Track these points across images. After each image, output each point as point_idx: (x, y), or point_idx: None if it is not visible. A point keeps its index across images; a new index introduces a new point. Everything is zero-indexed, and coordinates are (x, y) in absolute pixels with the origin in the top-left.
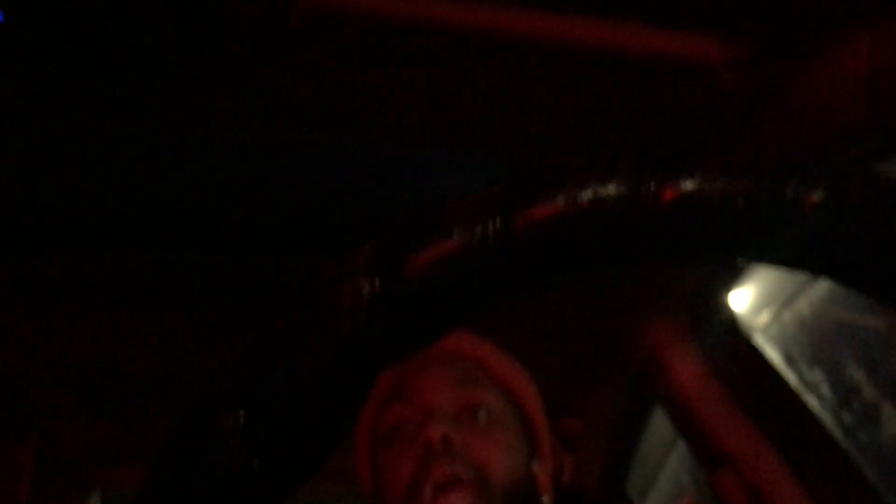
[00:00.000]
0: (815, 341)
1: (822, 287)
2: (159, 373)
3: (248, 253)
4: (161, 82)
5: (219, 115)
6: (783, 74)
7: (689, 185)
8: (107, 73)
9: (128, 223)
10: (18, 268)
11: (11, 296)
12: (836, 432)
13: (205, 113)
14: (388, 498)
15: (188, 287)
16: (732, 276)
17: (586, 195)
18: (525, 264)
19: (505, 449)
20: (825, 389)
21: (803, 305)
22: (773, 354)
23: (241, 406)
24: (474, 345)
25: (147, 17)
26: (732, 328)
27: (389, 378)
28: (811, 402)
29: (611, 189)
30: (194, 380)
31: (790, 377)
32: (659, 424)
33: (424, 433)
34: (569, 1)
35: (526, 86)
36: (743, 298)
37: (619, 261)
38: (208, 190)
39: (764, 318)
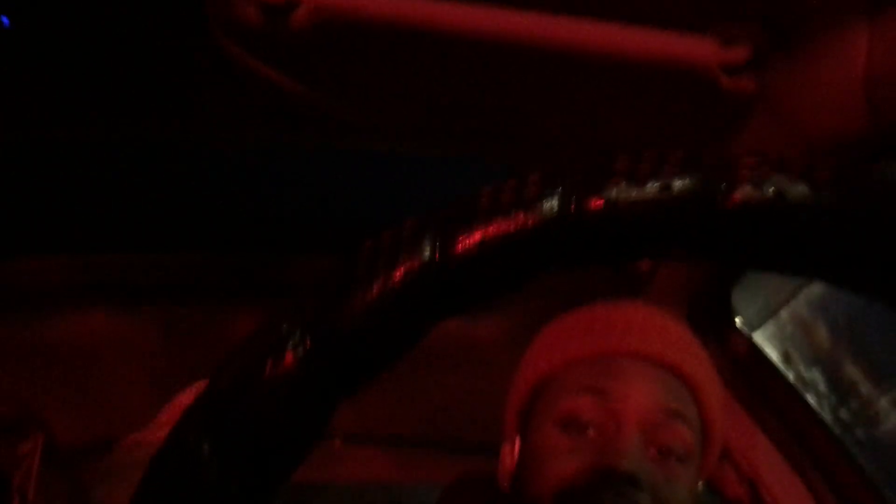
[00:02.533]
0: (813, 340)
1: (819, 287)
2: (160, 371)
3: (247, 253)
4: (162, 83)
5: (219, 116)
6: (781, 75)
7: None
8: (109, 76)
9: (128, 223)
10: (19, 268)
11: (12, 295)
12: (834, 428)
13: (204, 113)
14: (541, 479)
15: (188, 286)
16: (732, 275)
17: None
18: (465, 292)
19: (685, 494)
20: (823, 387)
21: (801, 304)
22: (771, 353)
23: (208, 437)
24: (687, 357)
25: (148, 20)
26: (731, 326)
27: (577, 351)
28: (809, 399)
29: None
30: (195, 377)
31: (788, 375)
32: None
33: (615, 459)
34: (568, 3)
35: (526, 86)
36: (742, 297)
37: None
38: (208, 190)
39: (762, 316)
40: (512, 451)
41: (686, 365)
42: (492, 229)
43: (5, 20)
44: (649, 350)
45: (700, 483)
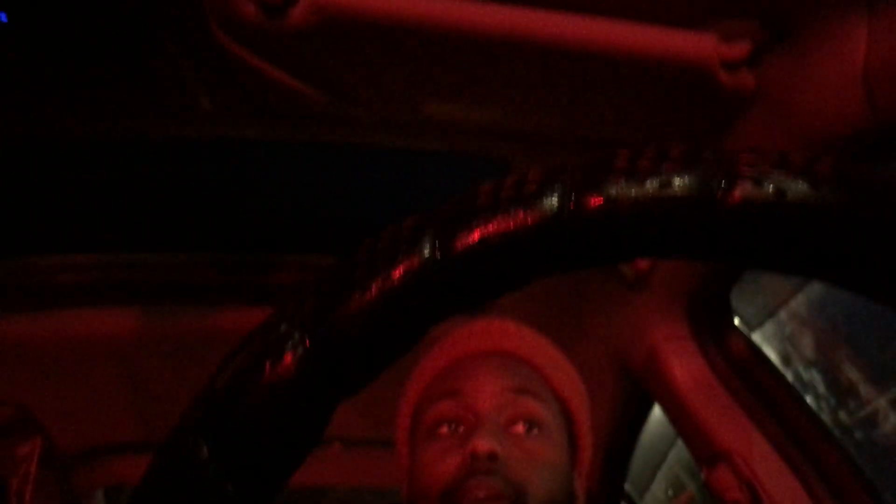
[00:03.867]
0: (812, 340)
1: (818, 287)
2: (160, 373)
3: (247, 252)
4: (160, 81)
5: (217, 113)
6: (780, 71)
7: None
8: (107, 74)
9: (126, 222)
10: (15, 268)
11: (10, 296)
12: (833, 430)
13: (203, 110)
14: (422, 491)
15: (188, 286)
16: (731, 275)
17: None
18: (463, 289)
19: (550, 468)
20: (822, 388)
21: (800, 305)
22: (770, 353)
23: (207, 439)
24: (533, 346)
25: (146, 17)
26: (731, 327)
27: (440, 363)
28: (808, 400)
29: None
30: (195, 375)
31: (787, 376)
32: (658, 422)
33: (472, 444)
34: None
35: (524, 83)
36: (741, 297)
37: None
38: (205, 188)
39: (761, 316)
40: (405, 463)
41: (526, 350)
42: (491, 227)
43: (3, 16)
44: (492, 345)
45: (576, 477)
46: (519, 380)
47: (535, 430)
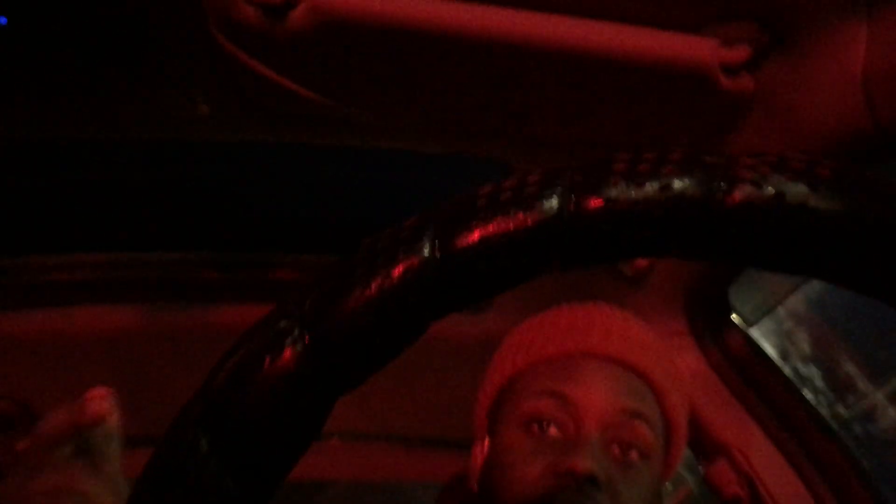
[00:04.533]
0: (811, 336)
1: (817, 283)
2: (160, 364)
3: (248, 252)
4: (159, 82)
5: (217, 115)
6: (780, 75)
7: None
8: (106, 75)
9: (126, 222)
10: (16, 266)
11: (10, 293)
12: (832, 425)
13: (202, 112)
14: (506, 484)
15: (189, 285)
16: (729, 272)
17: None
18: (461, 289)
19: (646, 496)
20: (820, 383)
21: (798, 301)
22: (768, 349)
23: (206, 433)
24: (652, 360)
25: (146, 19)
26: (730, 323)
27: (547, 351)
28: (806, 395)
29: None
30: (196, 373)
31: (786, 371)
32: None
33: (573, 461)
34: (567, 3)
35: (524, 85)
36: (739, 293)
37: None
38: (206, 189)
39: (760, 312)
40: (481, 451)
41: (646, 364)
42: (491, 227)
43: (2, 19)
44: (609, 350)
45: (667, 483)
46: (634, 402)
47: (637, 456)
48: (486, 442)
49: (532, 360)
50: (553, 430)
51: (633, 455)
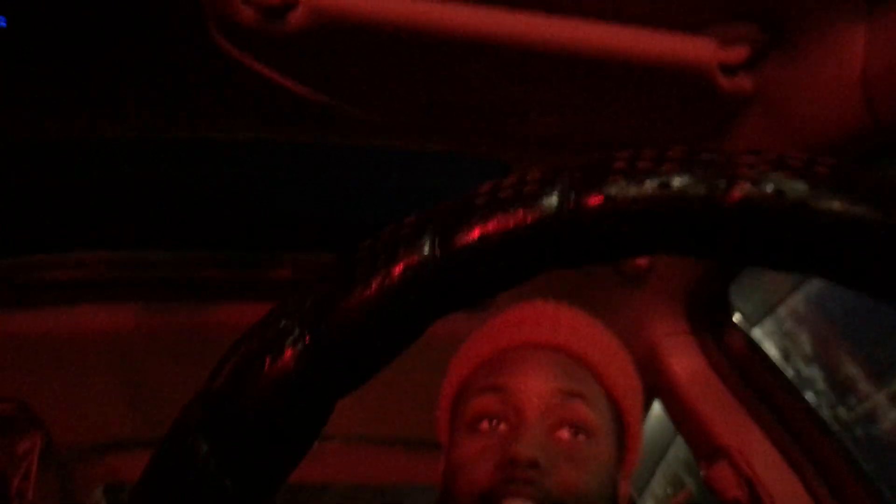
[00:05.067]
0: (812, 337)
1: (818, 283)
2: (161, 364)
3: (247, 251)
4: (159, 83)
5: (217, 115)
6: (779, 75)
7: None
8: (108, 75)
9: (126, 222)
10: (17, 265)
11: (11, 294)
12: (833, 426)
13: (202, 112)
14: (458, 489)
15: (189, 285)
16: (730, 272)
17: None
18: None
19: (595, 475)
20: (821, 384)
21: (799, 301)
22: (769, 349)
23: (206, 435)
24: (586, 340)
25: (145, 19)
26: (730, 323)
27: (484, 351)
28: (808, 396)
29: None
30: (196, 373)
31: (787, 372)
32: (657, 419)
33: (513, 449)
34: (566, 3)
35: (524, 85)
36: (740, 293)
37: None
38: (206, 189)
39: (761, 313)
40: (443, 459)
41: (580, 347)
42: (491, 226)
43: (2, 20)
44: (539, 337)
45: (621, 478)
46: (570, 381)
47: (582, 437)
48: (446, 447)
49: (473, 364)
50: (502, 427)
51: (580, 437)
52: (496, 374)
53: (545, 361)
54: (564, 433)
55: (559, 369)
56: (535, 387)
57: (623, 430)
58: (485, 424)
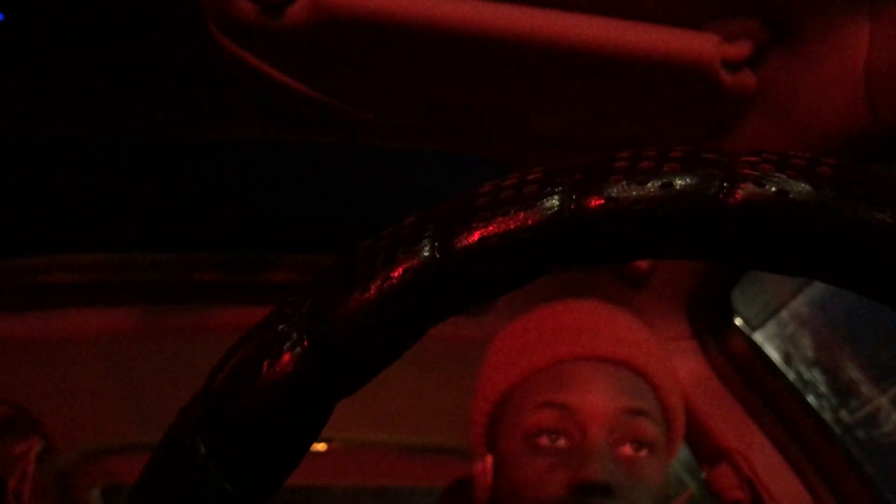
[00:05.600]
0: (814, 340)
1: (820, 287)
2: (158, 366)
3: (247, 251)
4: (157, 80)
5: (216, 113)
6: (782, 72)
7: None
8: (106, 73)
9: (125, 222)
10: (15, 267)
11: (9, 295)
12: (835, 429)
13: (201, 110)
14: (513, 497)
15: (186, 286)
16: (732, 275)
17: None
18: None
19: (655, 486)
20: (823, 387)
21: (802, 304)
22: (771, 353)
23: (204, 437)
24: (646, 354)
25: (144, 16)
26: (732, 327)
27: (537, 361)
28: (809, 399)
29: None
30: (194, 376)
31: (789, 375)
32: None
33: (585, 473)
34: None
35: (524, 83)
36: (742, 296)
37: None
38: (205, 188)
39: (763, 316)
40: (485, 468)
41: (640, 360)
42: (491, 227)
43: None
44: (601, 350)
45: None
46: (634, 399)
47: (644, 452)
48: (490, 459)
49: (525, 372)
50: (562, 442)
51: (642, 453)
52: (557, 388)
53: (610, 378)
54: (628, 449)
55: (624, 385)
56: (602, 406)
57: (670, 442)
58: (544, 440)
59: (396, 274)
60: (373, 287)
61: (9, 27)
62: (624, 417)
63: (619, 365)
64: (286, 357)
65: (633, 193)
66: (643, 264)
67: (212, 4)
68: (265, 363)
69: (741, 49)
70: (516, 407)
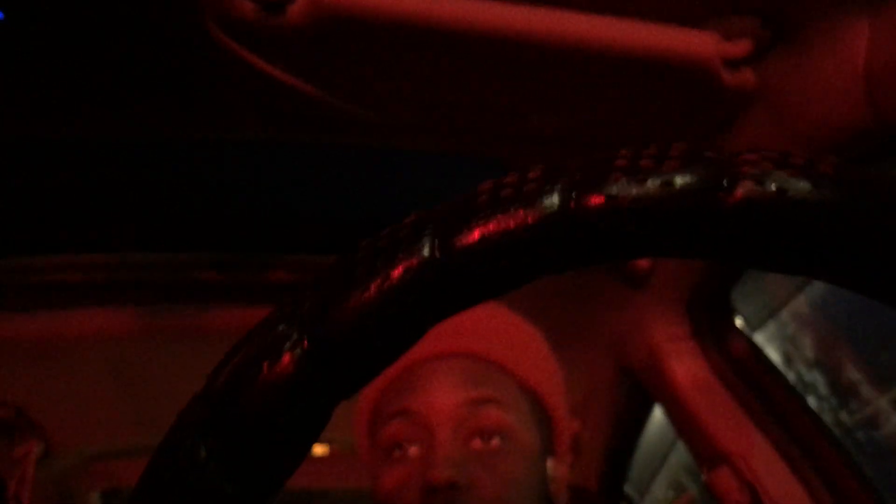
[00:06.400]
0: (814, 341)
1: (820, 287)
2: (159, 368)
3: (246, 252)
4: (157, 80)
5: (216, 112)
6: (782, 70)
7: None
8: (106, 73)
9: (126, 222)
10: (16, 267)
11: (8, 296)
12: (835, 431)
13: (201, 110)
14: None
15: (186, 287)
16: (732, 275)
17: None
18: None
19: (519, 479)
20: (823, 389)
21: (802, 305)
22: (771, 353)
23: (205, 439)
24: (488, 337)
25: (143, 15)
26: (732, 327)
27: (389, 371)
28: (809, 401)
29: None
30: (194, 377)
31: (789, 376)
32: (658, 423)
33: (429, 474)
34: None
35: (523, 82)
36: (742, 297)
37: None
38: (205, 188)
39: (763, 316)
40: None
41: (483, 346)
42: (492, 226)
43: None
44: (446, 346)
45: (553, 466)
46: (478, 388)
47: (496, 440)
48: (370, 467)
49: (384, 383)
50: (413, 450)
51: (493, 442)
52: (402, 394)
53: (450, 372)
54: (477, 443)
55: (465, 377)
56: (442, 402)
57: (548, 417)
58: (397, 453)
59: (396, 273)
60: (373, 287)
61: (9, 27)
62: (467, 409)
63: (465, 357)
64: (286, 358)
65: (633, 192)
66: (643, 264)
67: (212, 4)
68: (265, 364)
69: (741, 47)
70: (378, 420)
